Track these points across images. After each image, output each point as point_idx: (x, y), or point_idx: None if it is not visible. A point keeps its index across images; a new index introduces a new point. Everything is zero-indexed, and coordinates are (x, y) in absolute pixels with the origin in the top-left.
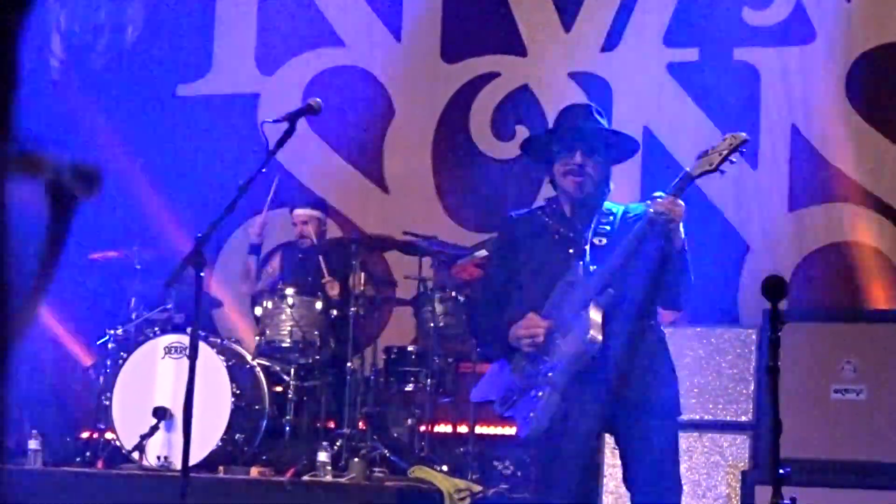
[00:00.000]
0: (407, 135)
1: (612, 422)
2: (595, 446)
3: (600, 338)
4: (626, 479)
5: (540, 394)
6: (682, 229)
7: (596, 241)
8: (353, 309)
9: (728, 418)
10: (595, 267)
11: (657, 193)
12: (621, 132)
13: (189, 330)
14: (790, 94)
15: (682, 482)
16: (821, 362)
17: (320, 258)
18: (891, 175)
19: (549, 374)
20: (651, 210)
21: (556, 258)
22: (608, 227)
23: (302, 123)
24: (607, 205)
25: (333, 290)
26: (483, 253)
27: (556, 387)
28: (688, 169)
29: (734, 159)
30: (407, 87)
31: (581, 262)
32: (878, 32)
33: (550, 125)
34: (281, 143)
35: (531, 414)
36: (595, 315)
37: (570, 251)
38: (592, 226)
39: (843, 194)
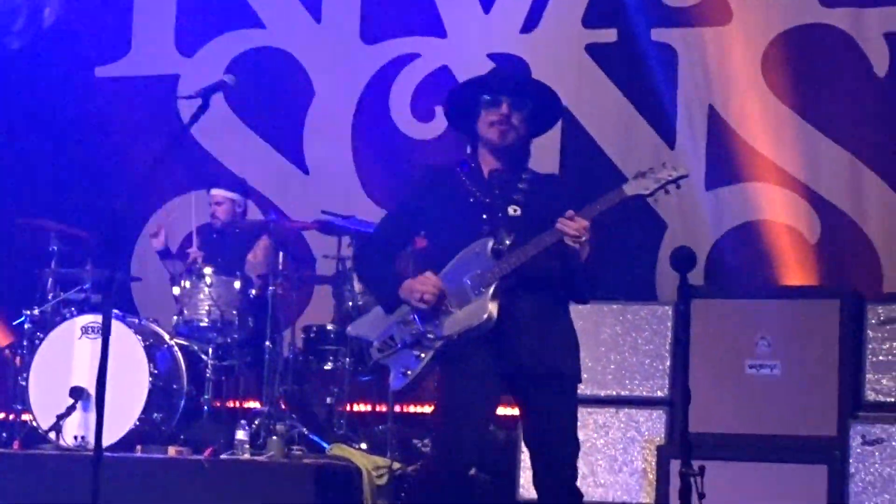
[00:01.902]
0: (327, 116)
1: (512, 387)
2: (493, 410)
3: (495, 319)
4: (526, 440)
5: (422, 355)
6: (586, 250)
7: (511, 210)
8: (271, 288)
9: (644, 394)
10: (504, 245)
11: (570, 216)
12: (549, 89)
13: (103, 308)
14: (707, 74)
15: (598, 457)
16: (736, 338)
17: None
18: (806, 155)
19: (436, 341)
20: (560, 230)
21: (467, 221)
22: (521, 196)
23: (222, 105)
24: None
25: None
26: None
27: (439, 354)
28: (623, 187)
29: (669, 190)
30: (327, 69)
31: (491, 240)
32: (793, 14)
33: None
34: (195, 118)
35: (408, 371)
36: (495, 297)
37: (484, 217)
38: (507, 193)
39: (759, 174)
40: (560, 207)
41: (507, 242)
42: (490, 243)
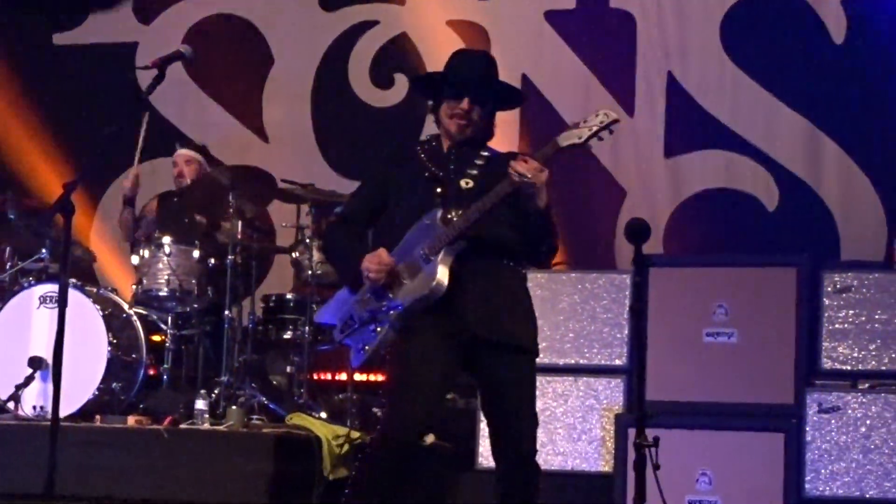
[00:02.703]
0: (286, 83)
1: (467, 356)
2: (448, 379)
3: (445, 284)
4: (484, 411)
5: (378, 329)
6: (544, 194)
7: (463, 183)
8: (230, 257)
9: (602, 362)
10: (454, 214)
11: (522, 158)
12: (510, 86)
13: (60, 278)
14: (666, 41)
15: (557, 426)
16: (693, 306)
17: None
18: (764, 122)
19: (391, 312)
20: (513, 171)
21: (422, 196)
22: (476, 171)
23: (180, 73)
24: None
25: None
26: None
27: (395, 325)
28: (556, 138)
29: (602, 137)
30: (285, 36)
31: (441, 210)
32: None
33: (443, 67)
34: (151, 88)
35: (365, 347)
36: (444, 263)
37: (438, 190)
38: (463, 168)
39: (718, 141)
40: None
41: (457, 212)
42: (439, 213)
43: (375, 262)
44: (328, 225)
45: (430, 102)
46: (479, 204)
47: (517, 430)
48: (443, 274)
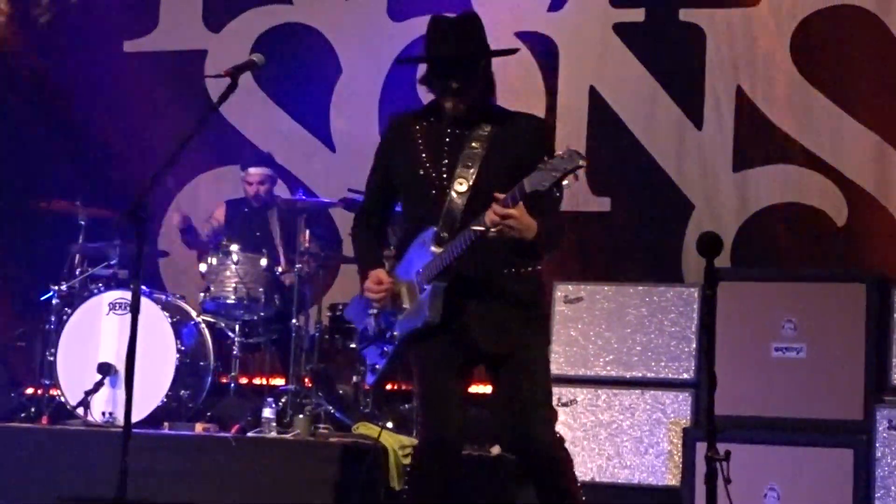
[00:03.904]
0: (354, 93)
1: (475, 366)
2: (460, 387)
3: (438, 318)
4: (496, 413)
5: (385, 349)
6: (524, 232)
7: (457, 185)
8: (298, 266)
9: (670, 376)
10: (446, 234)
11: (492, 208)
12: (493, 51)
13: (132, 285)
14: (735, 55)
15: (624, 439)
16: (762, 321)
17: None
18: (833, 137)
19: (395, 333)
20: (482, 224)
21: (418, 196)
22: (474, 156)
23: (249, 81)
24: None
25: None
26: None
27: (398, 349)
28: (523, 181)
29: (567, 183)
30: (354, 45)
31: (434, 228)
32: None
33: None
34: (223, 97)
35: (376, 366)
36: (435, 295)
37: (433, 193)
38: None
39: (786, 155)
40: (507, 178)
41: (444, 236)
42: (433, 233)
43: (374, 284)
44: (354, 218)
45: (419, 78)
46: (454, 244)
47: (527, 419)
48: (434, 308)
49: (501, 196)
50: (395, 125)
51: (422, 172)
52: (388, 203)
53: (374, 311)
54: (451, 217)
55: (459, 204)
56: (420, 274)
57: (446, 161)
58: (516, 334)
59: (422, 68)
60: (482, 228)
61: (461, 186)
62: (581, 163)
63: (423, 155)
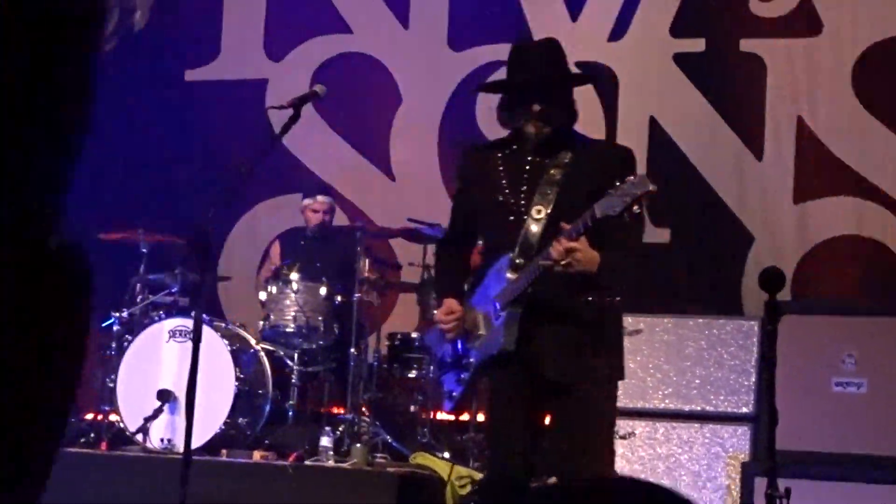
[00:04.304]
0: (413, 122)
1: (546, 397)
2: (534, 421)
3: (513, 347)
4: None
5: (462, 377)
6: (588, 266)
7: (535, 212)
8: (357, 295)
9: (729, 409)
10: (522, 261)
11: (557, 240)
12: (576, 75)
13: (193, 313)
14: (796, 85)
15: (682, 473)
16: (822, 355)
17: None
18: (894, 168)
19: (471, 361)
20: (548, 259)
21: (497, 222)
22: (553, 184)
23: (309, 109)
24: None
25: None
26: None
27: (474, 376)
28: (594, 206)
29: (637, 209)
30: (414, 75)
31: (510, 255)
32: (884, 25)
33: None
34: (286, 128)
35: (454, 393)
36: (511, 322)
37: (511, 219)
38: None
39: (847, 187)
40: (585, 206)
41: (520, 262)
42: (508, 259)
43: (445, 314)
44: (436, 246)
45: (499, 104)
46: (526, 271)
47: (580, 454)
48: (509, 336)
49: (567, 226)
50: (473, 155)
51: (501, 199)
52: (470, 232)
53: (450, 336)
54: (527, 244)
55: (536, 231)
56: (495, 301)
57: (525, 188)
58: (584, 364)
59: (496, 98)
60: (549, 263)
61: (538, 213)
62: (651, 188)
63: (504, 182)
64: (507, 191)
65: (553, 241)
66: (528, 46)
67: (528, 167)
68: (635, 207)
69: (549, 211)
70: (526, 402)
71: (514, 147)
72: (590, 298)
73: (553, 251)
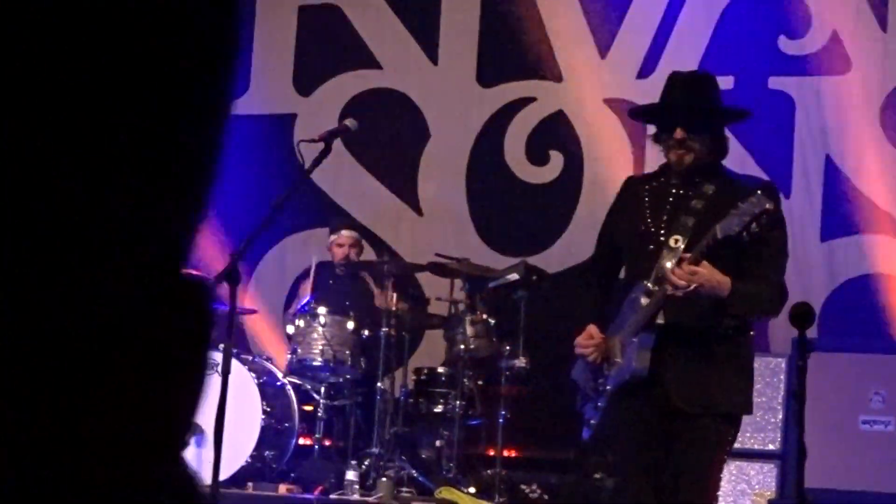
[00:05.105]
0: (442, 158)
1: (671, 429)
2: (654, 456)
3: (645, 371)
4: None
5: (600, 405)
6: (715, 290)
7: (672, 242)
8: (384, 329)
9: (756, 447)
10: (657, 288)
11: (676, 265)
12: (730, 107)
13: (222, 346)
14: (825, 124)
15: None
16: (850, 392)
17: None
18: None
19: (608, 388)
20: (669, 288)
21: (636, 255)
22: (692, 219)
23: (338, 144)
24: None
25: (390, 302)
26: (514, 276)
27: (610, 403)
28: (716, 227)
29: (756, 228)
30: (442, 110)
31: (646, 283)
32: None
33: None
34: (317, 162)
35: (591, 421)
36: (643, 346)
37: (650, 248)
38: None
39: (875, 226)
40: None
41: (654, 289)
42: (643, 287)
43: (585, 340)
44: (578, 272)
45: (653, 132)
46: (656, 298)
47: (677, 489)
48: (641, 360)
49: (687, 255)
50: (627, 186)
51: (643, 228)
52: (613, 261)
53: (591, 359)
54: (662, 272)
55: (670, 259)
56: (632, 325)
57: (666, 218)
58: (708, 396)
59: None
60: (670, 290)
61: (675, 242)
62: (768, 206)
63: (647, 212)
64: (648, 221)
65: (674, 268)
66: (680, 75)
67: (671, 198)
68: (754, 226)
69: (686, 240)
70: (652, 434)
71: (662, 178)
72: (720, 328)
73: (673, 276)
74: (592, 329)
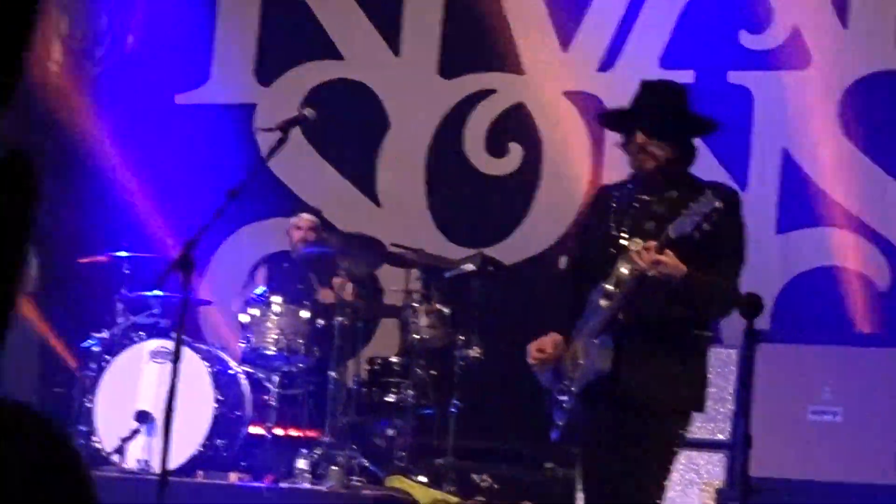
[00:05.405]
0: (401, 149)
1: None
2: (612, 453)
3: (607, 371)
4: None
5: (566, 405)
6: (673, 275)
7: (632, 245)
8: (338, 319)
9: (705, 436)
10: (612, 288)
11: (644, 247)
12: (697, 115)
13: (174, 334)
14: (783, 118)
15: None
16: (801, 383)
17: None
18: (879, 201)
19: (573, 389)
20: (629, 268)
21: (600, 259)
22: (652, 225)
23: (297, 134)
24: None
25: (345, 291)
26: (470, 266)
27: (575, 405)
28: (668, 228)
29: (707, 227)
30: (403, 102)
31: (605, 285)
32: (872, 60)
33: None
34: (273, 151)
35: (559, 422)
36: (604, 347)
37: (611, 251)
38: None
39: (831, 219)
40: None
41: (612, 290)
42: (602, 289)
43: (537, 353)
44: (559, 272)
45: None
46: (619, 292)
47: (627, 483)
48: (603, 360)
49: (653, 243)
50: (598, 194)
51: (606, 234)
52: (586, 268)
53: (535, 369)
54: (620, 273)
55: (628, 264)
56: (591, 329)
57: (628, 222)
58: (663, 393)
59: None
60: (639, 272)
61: (635, 246)
62: (717, 204)
63: (612, 217)
64: (612, 225)
65: (640, 251)
66: (649, 83)
67: (636, 203)
68: (705, 225)
69: (650, 236)
70: (612, 428)
71: (630, 185)
72: (680, 329)
73: (637, 257)
74: (544, 341)
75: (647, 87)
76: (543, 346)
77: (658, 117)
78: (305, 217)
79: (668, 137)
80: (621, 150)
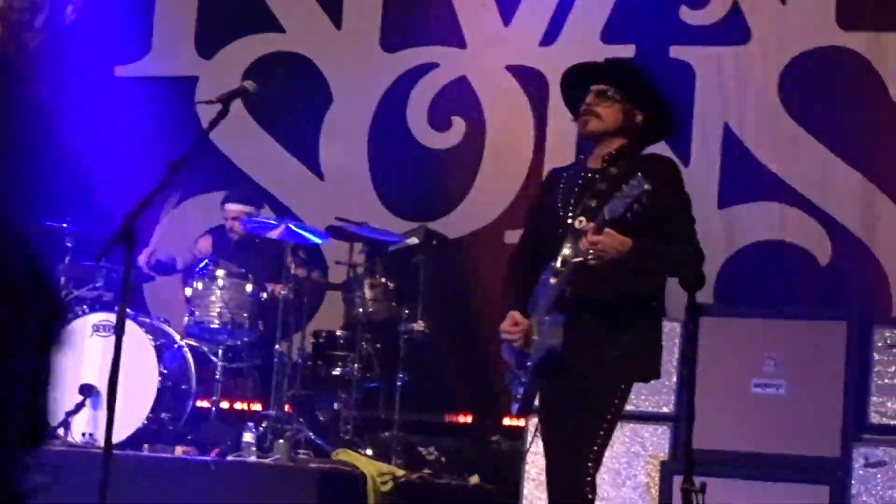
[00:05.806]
0: (344, 123)
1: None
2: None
3: (559, 347)
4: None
5: (523, 380)
6: (623, 254)
7: (577, 223)
8: (283, 292)
9: (649, 409)
10: (558, 266)
11: (584, 231)
12: (645, 77)
13: (117, 308)
14: (724, 93)
15: (602, 471)
16: (743, 357)
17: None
18: (819, 176)
19: (528, 364)
20: (577, 259)
21: (549, 234)
22: (597, 198)
23: (239, 108)
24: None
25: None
26: (414, 240)
27: (534, 375)
28: (604, 209)
29: (638, 208)
30: (345, 75)
31: (553, 263)
32: (812, 36)
33: None
34: (214, 123)
35: (517, 395)
36: (555, 324)
37: (559, 231)
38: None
39: (772, 194)
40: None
41: (560, 267)
42: (551, 267)
43: (510, 327)
44: (509, 256)
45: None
46: (564, 272)
47: (567, 458)
48: (555, 336)
49: (590, 225)
50: (549, 176)
51: (554, 214)
52: (536, 248)
53: (518, 346)
54: (571, 250)
55: (573, 240)
56: (542, 307)
57: (573, 200)
58: (600, 363)
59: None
60: (580, 259)
61: (580, 224)
62: (646, 187)
63: (559, 197)
64: (559, 205)
65: (581, 239)
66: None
67: (580, 181)
68: (636, 206)
69: (588, 221)
70: (561, 400)
71: (578, 165)
72: (626, 299)
73: (581, 245)
74: (516, 315)
75: (603, 62)
76: (517, 319)
77: (619, 70)
78: (230, 207)
79: (623, 86)
80: (573, 121)
